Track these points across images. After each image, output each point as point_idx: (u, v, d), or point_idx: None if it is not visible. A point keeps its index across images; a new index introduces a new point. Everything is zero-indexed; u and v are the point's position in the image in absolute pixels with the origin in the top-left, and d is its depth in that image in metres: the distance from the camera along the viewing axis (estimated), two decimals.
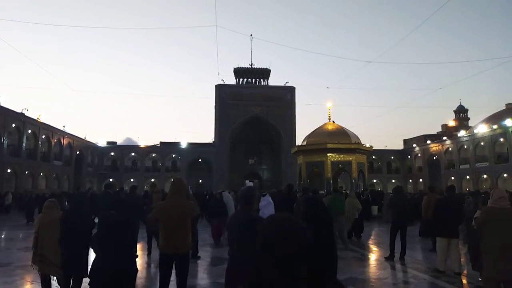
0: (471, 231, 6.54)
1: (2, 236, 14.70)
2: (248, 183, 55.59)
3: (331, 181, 23.18)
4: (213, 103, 55.99)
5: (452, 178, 48.71)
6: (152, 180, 51.38)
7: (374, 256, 10.09)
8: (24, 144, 36.02)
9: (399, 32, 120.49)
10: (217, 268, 8.11)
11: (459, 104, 69.60)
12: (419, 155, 56.74)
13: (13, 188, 32.25)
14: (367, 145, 26.42)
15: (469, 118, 68.19)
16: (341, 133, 24.44)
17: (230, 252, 3.78)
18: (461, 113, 68.56)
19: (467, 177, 46.88)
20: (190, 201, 4.69)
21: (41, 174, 39.22)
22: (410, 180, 57.29)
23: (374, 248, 11.54)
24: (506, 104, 55.94)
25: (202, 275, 7.75)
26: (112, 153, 54.56)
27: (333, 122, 25.33)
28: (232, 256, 3.72)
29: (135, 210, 9.20)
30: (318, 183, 24.44)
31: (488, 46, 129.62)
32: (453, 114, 69.72)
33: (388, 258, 8.90)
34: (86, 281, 4.53)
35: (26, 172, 36.23)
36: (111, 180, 45.54)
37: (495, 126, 44.28)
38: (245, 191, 3.98)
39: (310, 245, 1.26)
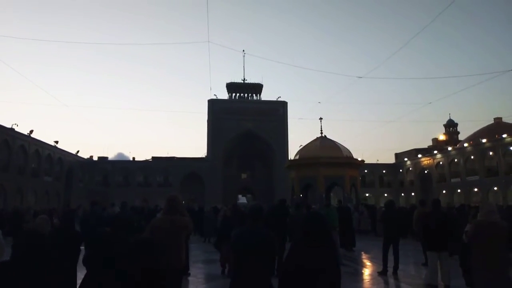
0: (462, 245, 6.58)
1: None
2: (241, 198, 55.52)
3: (323, 195, 23.18)
4: (206, 118, 56.13)
5: (444, 191, 49.08)
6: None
7: (367, 271, 10.07)
8: (13, 160, 35.58)
9: (389, 47, 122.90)
10: (209, 285, 8.02)
11: (448, 118, 70.64)
12: (410, 169, 57.20)
13: (1, 205, 31.68)
14: (359, 159, 26.57)
15: (459, 132, 69.13)
16: (333, 147, 24.55)
17: (235, 275, 3.55)
18: (451, 127, 69.51)
19: (458, 190, 47.28)
20: (185, 218, 4.68)
21: (31, 190, 38.64)
22: (402, 194, 57.55)
23: (367, 262, 11.53)
24: (494, 118, 57.00)
25: None
26: (103, 169, 54.05)
27: (325, 136, 25.47)
28: (238, 279, 3.48)
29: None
30: (311, 197, 24.43)
31: (477, 61, 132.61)
32: (443, 128, 70.65)
33: (382, 273, 8.88)
34: None
35: (15, 188, 35.68)
36: (99, 196, 44.96)
37: (484, 140, 44.94)
38: (253, 207, 3.78)
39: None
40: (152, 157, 57.13)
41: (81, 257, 4.20)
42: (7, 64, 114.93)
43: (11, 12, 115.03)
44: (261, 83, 58.83)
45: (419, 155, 56.25)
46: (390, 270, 8.88)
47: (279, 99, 57.21)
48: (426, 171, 54.01)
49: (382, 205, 28.70)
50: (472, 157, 45.75)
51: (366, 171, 54.45)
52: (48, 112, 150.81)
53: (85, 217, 10.45)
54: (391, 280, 8.51)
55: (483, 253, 4.58)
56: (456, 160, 48.47)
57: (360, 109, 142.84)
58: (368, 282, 8.62)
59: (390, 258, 8.99)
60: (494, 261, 4.51)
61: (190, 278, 8.53)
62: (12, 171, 35.35)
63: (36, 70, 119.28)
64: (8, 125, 35.31)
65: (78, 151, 51.51)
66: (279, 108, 56.38)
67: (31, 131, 38.77)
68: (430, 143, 67.01)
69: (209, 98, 55.81)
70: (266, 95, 75.97)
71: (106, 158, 57.38)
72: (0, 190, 33.68)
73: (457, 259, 7.72)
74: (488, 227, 4.67)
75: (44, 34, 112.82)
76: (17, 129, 36.18)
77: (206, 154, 55.53)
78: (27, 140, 38.12)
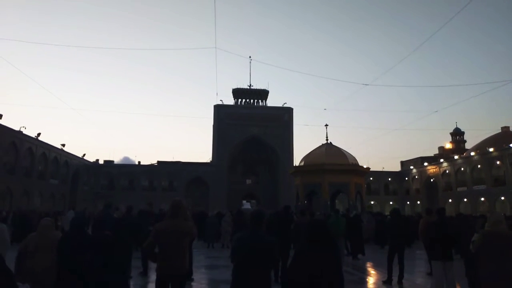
0: (469, 255, 6.49)
1: None
2: (245, 203, 55.33)
3: (328, 202, 23.08)
4: (212, 123, 56.30)
5: (450, 200, 48.60)
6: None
7: (372, 280, 9.97)
8: (20, 162, 35.88)
9: (396, 55, 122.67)
10: None
11: (455, 126, 70.08)
12: (416, 177, 56.80)
13: (8, 207, 31.88)
14: (365, 166, 26.45)
15: (465, 141, 68.55)
16: (339, 154, 24.49)
17: (236, 279, 3.56)
18: (458, 135, 68.97)
19: (465, 199, 46.78)
20: (189, 223, 4.66)
21: (37, 192, 38.89)
22: (408, 202, 57.11)
23: (372, 271, 11.42)
24: (502, 127, 56.50)
25: None
26: (109, 172, 54.32)
27: (330, 143, 25.42)
28: (238, 283, 3.50)
29: (131, 230, 9.13)
30: (315, 204, 24.33)
31: (484, 69, 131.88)
32: (450, 137, 70.12)
33: (386, 282, 8.79)
34: None
35: (22, 190, 35.92)
36: (108, 199, 45.19)
37: (491, 149, 44.53)
38: (255, 212, 3.83)
39: None
40: (158, 161, 57.35)
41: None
42: (16, 66, 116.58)
43: (20, 16, 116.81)
44: (267, 89, 59.05)
45: (425, 163, 55.85)
46: (395, 279, 8.78)
47: (284, 105, 57.30)
48: (432, 180, 53.59)
49: (387, 213, 28.47)
50: (479, 166, 45.33)
51: (371, 178, 54.17)
52: (55, 115, 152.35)
53: (99, 219, 10.41)
54: None
55: (491, 263, 4.52)
56: (462, 169, 48.05)
57: (366, 116, 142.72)
58: None
59: (396, 267, 8.89)
60: (502, 271, 4.45)
61: (193, 284, 8.51)
62: (19, 173, 35.61)
63: (44, 73, 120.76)
64: (16, 127, 35.72)
65: (84, 155, 51.90)
66: (285, 114, 56.44)
67: (39, 134, 39.13)
68: (437, 152, 66.51)
69: (215, 104, 56.08)
70: (272, 101, 76.37)
71: (112, 161, 57.72)
72: (6, 192, 33.91)
73: (463, 268, 7.61)
74: (496, 237, 4.62)
75: (52, 37, 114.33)
76: (25, 131, 36.55)
77: (211, 159, 55.60)
78: (35, 143, 38.44)
